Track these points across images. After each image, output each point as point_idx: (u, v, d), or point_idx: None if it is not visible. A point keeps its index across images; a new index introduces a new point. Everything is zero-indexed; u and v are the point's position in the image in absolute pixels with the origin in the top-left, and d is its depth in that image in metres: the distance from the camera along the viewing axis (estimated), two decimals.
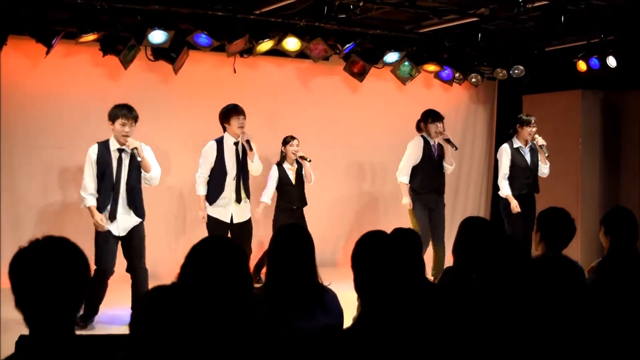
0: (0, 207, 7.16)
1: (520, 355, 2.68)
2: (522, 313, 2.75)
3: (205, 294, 2.40)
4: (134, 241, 6.06)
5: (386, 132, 7.90)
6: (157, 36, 6.88)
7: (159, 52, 7.34)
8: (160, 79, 7.90)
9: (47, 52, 6.71)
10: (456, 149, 7.82)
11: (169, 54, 7.32)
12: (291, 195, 7.64)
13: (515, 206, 7.56)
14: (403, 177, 7.63)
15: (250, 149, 6.80)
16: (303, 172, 7.70)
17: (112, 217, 5.96)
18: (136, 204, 6.07)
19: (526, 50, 8.78)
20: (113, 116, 5.94)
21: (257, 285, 3.14)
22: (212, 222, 6.83)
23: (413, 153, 7.64)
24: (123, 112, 5.93)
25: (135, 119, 5.99)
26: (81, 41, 6.77)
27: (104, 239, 5.95)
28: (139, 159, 5.98)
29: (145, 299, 2.14)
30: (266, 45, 7.57)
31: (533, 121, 7.63)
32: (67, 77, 7.49)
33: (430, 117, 7.65)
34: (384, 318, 2.52)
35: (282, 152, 7.68)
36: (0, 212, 7.00)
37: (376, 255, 2.55)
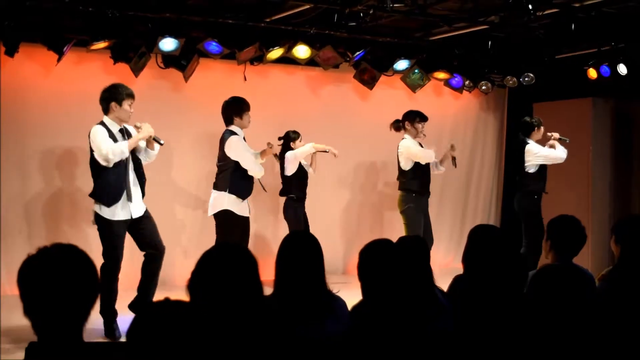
0: (11, 214, 7.21)
1: None
2: (531, 321, 2.74)
3: (216, 302, 2.39)
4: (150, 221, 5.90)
5: (396, 140, 7.87)
6: (168, 44, 6.92)
7: (169, 60, 7.38)
8: (171, 87, 7.92)
9: (59, 60, 6.76)
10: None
11: (179, 61, 7.35)
12: (305, 185, 7.64)
13: None
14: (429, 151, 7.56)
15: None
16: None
17: (129, 197, 5.72)
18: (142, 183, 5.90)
19: (536, 58, 8.76)
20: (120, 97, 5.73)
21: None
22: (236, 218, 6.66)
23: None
24: (129, 92, 5.76)
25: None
26: (92, 49, 6.81)
27: (119, 226, 5.60)
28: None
29: (150, 310, 2.09)
30: (276, 52, 7.59)
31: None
32: (78, 84, 7.51)
33: (418, 116, 7.62)
34: (392, 325, 2.52)
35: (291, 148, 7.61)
36: (1, 217, 7.04)
37: (381, 264, 2.54)
